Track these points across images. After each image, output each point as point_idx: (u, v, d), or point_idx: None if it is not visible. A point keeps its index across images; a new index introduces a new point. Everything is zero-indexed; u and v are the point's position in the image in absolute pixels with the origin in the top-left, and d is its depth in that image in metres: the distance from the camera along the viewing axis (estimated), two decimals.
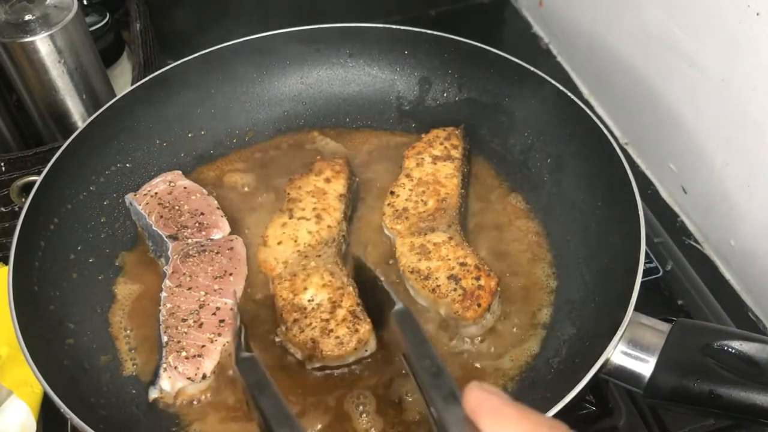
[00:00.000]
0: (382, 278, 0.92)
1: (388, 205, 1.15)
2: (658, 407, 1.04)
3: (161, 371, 0.95)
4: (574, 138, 1.16)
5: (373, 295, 0.95)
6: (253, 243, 1.14)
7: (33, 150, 1.19)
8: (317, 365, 0.98)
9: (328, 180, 1.17)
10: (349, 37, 1.34)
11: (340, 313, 0.99)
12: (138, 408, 0.96)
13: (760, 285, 1.19)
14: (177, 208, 1.12)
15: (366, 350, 0.99)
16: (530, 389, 0.96)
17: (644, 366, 0.85)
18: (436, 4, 1.85)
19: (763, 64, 1.06)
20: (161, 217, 1.11)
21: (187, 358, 0.95)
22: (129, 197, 1.15)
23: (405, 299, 1.06)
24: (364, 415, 0.95)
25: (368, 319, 0.99)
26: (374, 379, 0.98)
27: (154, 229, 1.10)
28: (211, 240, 1.10)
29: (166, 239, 1.09)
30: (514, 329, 1.03)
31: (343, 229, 1.12)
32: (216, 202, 1.15)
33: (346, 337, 0.97)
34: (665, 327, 0.87)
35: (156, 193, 1.14)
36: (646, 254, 0.98)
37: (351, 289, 1.03)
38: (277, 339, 1.01)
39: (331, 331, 0.97)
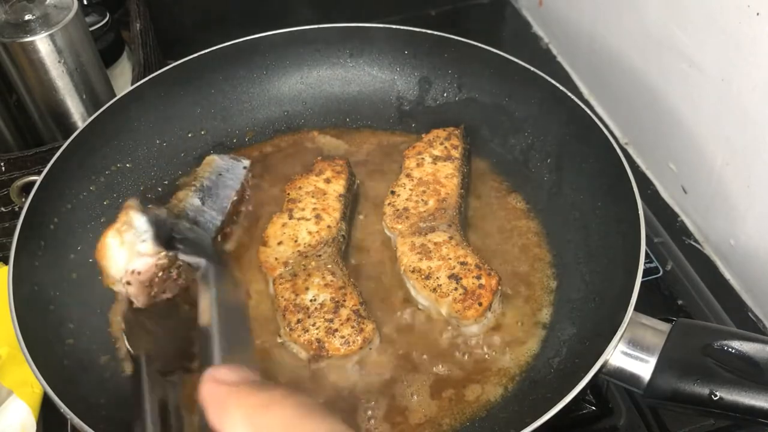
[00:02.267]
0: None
1: (389, 204, 1.15)
2: (658, 407, 1.04)
3: None
4: (574, 138, 1.16)
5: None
6: (254, 243, 1.14)
7: (33, 150, 1.19)
8: (322, 365, 0.98)
9: (328, 180, 1.17)
10: (349, 37, 1.35)
11: (344, 312, 0.99)
12: None
13: (760, 285, 1.19)
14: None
15: (370, 348, 0.99)
16: (530, 389, 0.96)
17: (644, 366, 0.85)
18: (436, 4, 1.85)
19: (763, 64, 1.06)
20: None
21: None
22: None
23: (406, 299, 1.06)
24: (370, 415, 0.95)
25: (372, 318, 1.00)
26: (376, 377, 0.98)
27: None
28: None
29: None
30: (515, 329, 1.03)
31: (342, 229, 1.12)
32: None
33: (351, 336, 0.97)
34: (665, 327, 0.87)
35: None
36: (646, 254, 0.98)
37: (353, 288, 1.03)
38: (280, 339, 1.01)
39: (336, 330, 0.98)
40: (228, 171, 1.18)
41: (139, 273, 0.84)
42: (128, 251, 0.83)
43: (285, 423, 0.55)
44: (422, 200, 1.14)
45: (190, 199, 1.09)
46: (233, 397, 0.57)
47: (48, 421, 1.06)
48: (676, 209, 1.36)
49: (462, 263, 1.03)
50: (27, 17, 1.19)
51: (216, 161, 1.18)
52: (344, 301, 1.01)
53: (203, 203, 1.10)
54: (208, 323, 0.72)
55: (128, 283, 0.84)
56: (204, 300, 0.75)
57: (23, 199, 1.08)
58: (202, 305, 0.75)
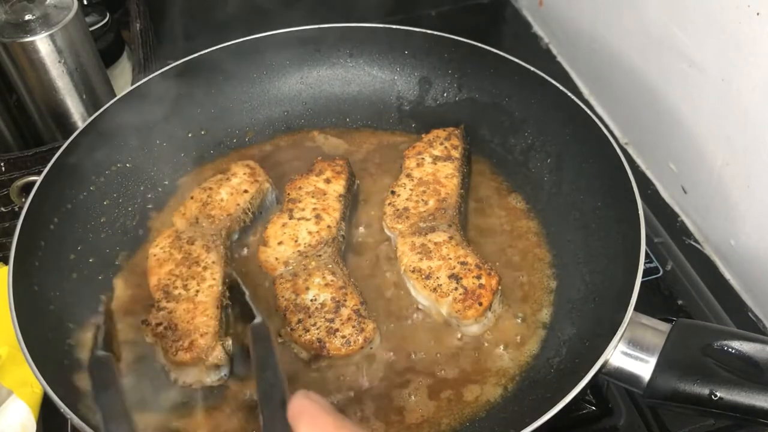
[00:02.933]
0: (247, 292, 0.97)
1: (389, 204, 1.15)
2: (658, 407, 1.04)
3: None
4: (574, 138, 1.16)
5: (240, 310, 1.01)
6: (254, 243, 1.14)
7: (33, 150, 1.19)
8: (322, 364, 0.98)
9: (328, 180, 1.17)
10: (349, 37, 1.35)
11: (345, 312, 0.99)
12: None
13: (760, 285, 1.19)
14: None
15: (371, 347, 0.99)
16: (530, 389, 0.96)
17: (644, 366, 0.85)
18: (436, 4, 1.85)
19: (763, 64, 1.06)
20: None
21: None
22: None
23: (406, 299, 1.06)
24: (366, 414, 0.95)
25: (372, 317, 1.00)
26: (375, 376, 0.98)
27: None
28: None
29: None
30: (515, 329, 1.03)
31: (342, 229, 1.12)
32: None
33: (352, 336, 0.97)
34: (665, 327, 0.87)
35: None
36: (646, 254, 0.98)
37: (353, 288, 1.03)
38: (280, 339, 1.01)
39: (337, 330, 0.98)
40: (267, 209, 1.20)
41: (190, 385, 0.97)
42: (199, 379, 0.96)
43: None
44: (422, 200, 1.14)
45: (233, 234, 1.15)
46: (322, 413, 0.67)
47: (48, 421, 1.06)
48: (676, 209, 1.36)
49: (462, 263, 1.03)
50: (27, 17, 1.19)
51: (269, 196, 1.20)
52: (345, 300, 1.01)
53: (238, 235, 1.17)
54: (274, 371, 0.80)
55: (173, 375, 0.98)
56: (262, 350, 0.84)
57: (23, 199, 1.08)
58: (261, 356, 0.83)
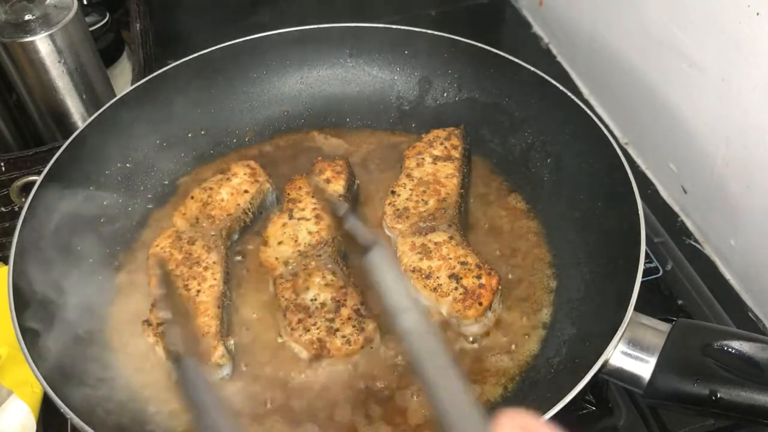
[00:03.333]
0: (344, 208, 0.74)
1: (389, 204, 1.15)
2: (658, 407, 1.04)
3: None
4: (574, 138, 1.16)
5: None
6: (254, 243, 1.14)
7: (33, 150, 1.19)
8: (323, 365, 0.98)
9: (328, 181, 1.17)
10: (349, 37, 1.35)
11: (345, 312, 0.99)
12: None
13: (760, 285, 1.19)
14: None
15: (371, 347, 0.99)
16: (530, 389, 0.96)
17: (644, 366, 0.85)
18: (436, 4, 1.85)
19: (763, 64, 1.06)
20: None
21: None
22: None
23: None
24: (370, 416, 0.95)
25: (372, 317, 1.00)
26: (376, 377, 0.98)
27: None
28: None
29: None
30: (514, 329, 1.03)
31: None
32: None
33: (353, 336, 0.97)
34: (665, 327, 0.87)
35: None
36: (646, 254, 0.98)
37: (353, 288, 1.03)
38: (280, 339, 1.01)
39: (337, 330, 0.98)
40: (267, 209, 1.20)
41: None
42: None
43: None
44: (422, 200, 1.14)
45: (233, 234, 1.15)
46: None
47: (48, 421, 1.06)
48: (676, 209, 1.36)
49: (462, 263, 1.03)
50: (27, 17, 1.20)
51: (269, 196, 1.20)
52: (345, 300, 1.01)
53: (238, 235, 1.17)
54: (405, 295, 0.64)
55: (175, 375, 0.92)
56: (390, 272, 0.67)
57: (23, 199, 1.08)
58: (388, 280, 0.66)
